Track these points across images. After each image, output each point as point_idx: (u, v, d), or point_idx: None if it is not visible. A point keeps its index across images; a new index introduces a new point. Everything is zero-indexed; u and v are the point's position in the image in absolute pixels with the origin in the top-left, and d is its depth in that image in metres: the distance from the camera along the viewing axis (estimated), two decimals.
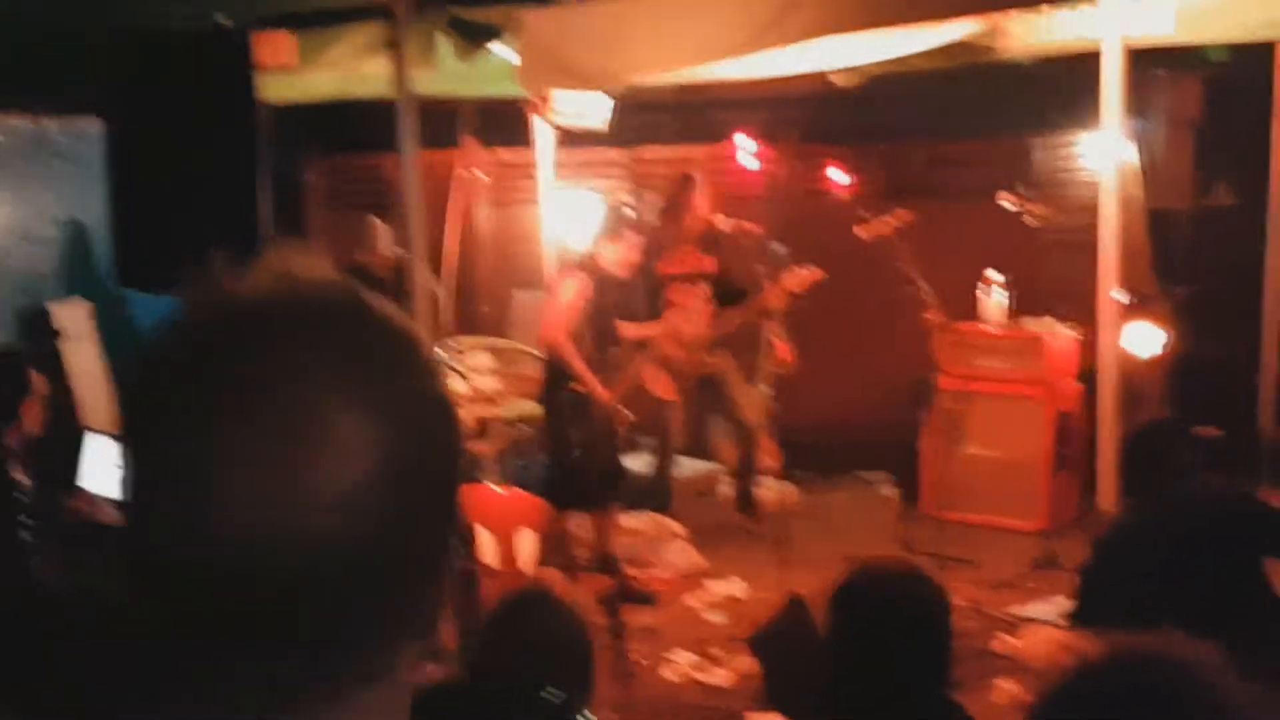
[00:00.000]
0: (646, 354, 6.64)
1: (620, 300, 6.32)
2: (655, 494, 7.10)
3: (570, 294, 6.06)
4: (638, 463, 7.64)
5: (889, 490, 7.82)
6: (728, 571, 6.51)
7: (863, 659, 2.54)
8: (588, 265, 6.14)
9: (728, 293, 6.79)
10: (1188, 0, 5.55)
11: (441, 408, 0.88)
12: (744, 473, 7.10)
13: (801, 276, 6.63)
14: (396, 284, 6.05)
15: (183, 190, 3.95)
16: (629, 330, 6.42)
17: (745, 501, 6.97)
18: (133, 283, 3.96)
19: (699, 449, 7.67)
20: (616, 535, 6.37)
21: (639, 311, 6.62)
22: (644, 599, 6.19)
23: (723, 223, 6.81)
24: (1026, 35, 6.13)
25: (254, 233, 4.13)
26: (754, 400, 6.98)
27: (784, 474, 7.06)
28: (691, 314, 6.77)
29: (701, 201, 6.83)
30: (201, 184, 4.00)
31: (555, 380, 6.16)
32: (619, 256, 6.14)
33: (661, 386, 6.85)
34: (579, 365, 6.03)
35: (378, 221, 7.24)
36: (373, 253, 7.24)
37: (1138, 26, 5.61)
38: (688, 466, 7.54)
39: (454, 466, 0.90)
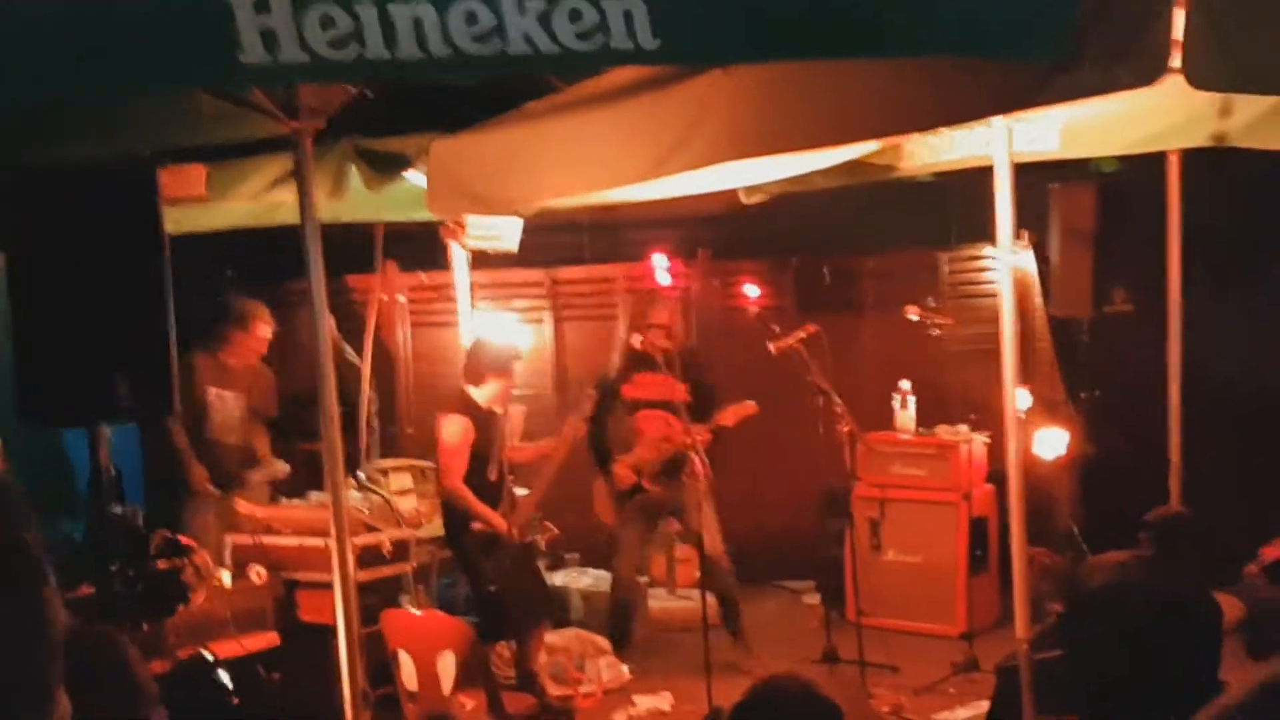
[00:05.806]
0: (601, 480, 6.67)
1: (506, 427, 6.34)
2: (614, 629, 6.98)
3: (455, 437, 6.07)
4: (571, 578, 7.63)
5: (813, 599, 7.87)
6: (654, 685, 6.50)
7: None
8: (466, 403, 6.15)
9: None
10: (1072, 118, 5.78)
11: None
12: (728, 611, 6.87)
13: (734, 412, 6.68)
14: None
15: (88, 323, 3.97)
16: (520, 454, 6.47)
17: (736, 634, 6.74)
18: (34, 416, 3.95)
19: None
20: (540, 655, 6.33)
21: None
22: (566, 717, 6.15)
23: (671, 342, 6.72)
24: (923, 154, 6.35)
25: (163, 364, 4.15)
26: (715, 529, 6.86)
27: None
28: (658, 441, 6.77)
29: (672, 321, 6.83)
30: (108, 315, 4.02)
31: (456, 523, 6.17)
32: (495, 394, 6.18)
33: (606, 512, 6.86)
34: (478, 508, 6.04)
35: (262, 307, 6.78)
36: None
37: (1025, 144, 5.85)
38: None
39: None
